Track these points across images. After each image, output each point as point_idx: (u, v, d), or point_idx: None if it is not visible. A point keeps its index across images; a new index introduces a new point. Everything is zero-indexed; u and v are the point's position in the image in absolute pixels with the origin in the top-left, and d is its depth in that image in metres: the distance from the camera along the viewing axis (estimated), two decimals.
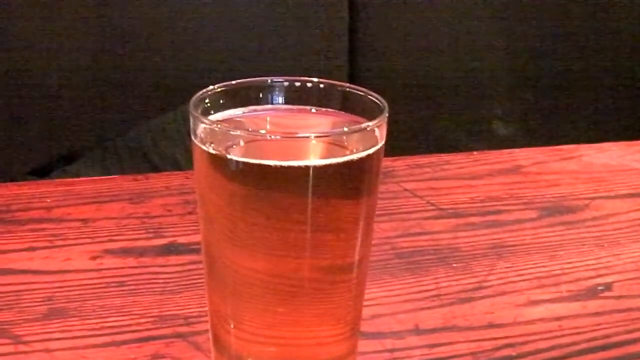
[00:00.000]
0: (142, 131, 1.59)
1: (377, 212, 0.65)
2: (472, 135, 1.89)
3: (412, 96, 1.84)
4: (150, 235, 0.89)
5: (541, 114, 1.93)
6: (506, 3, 1.85)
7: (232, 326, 0.64)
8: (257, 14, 1.74)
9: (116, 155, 1.57)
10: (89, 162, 1.57)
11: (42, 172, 1.58)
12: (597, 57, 1.91)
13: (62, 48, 1.63)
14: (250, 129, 0.64)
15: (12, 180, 1.39)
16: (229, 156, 0.59)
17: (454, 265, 0.86)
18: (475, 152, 1.10)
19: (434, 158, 1.08)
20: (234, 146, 0.60)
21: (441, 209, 0.97)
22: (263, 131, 0.65)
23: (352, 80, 1.77)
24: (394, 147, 0.88)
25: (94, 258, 0.85)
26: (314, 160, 0.60)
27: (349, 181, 0.61)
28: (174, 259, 0.85)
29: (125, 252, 0.87)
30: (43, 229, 0.90)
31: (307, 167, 0.59)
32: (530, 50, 1.89)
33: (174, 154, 1.53)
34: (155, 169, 1.51)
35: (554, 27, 1.89)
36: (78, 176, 1.45)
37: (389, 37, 1.83)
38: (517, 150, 1.12)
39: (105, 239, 0.89)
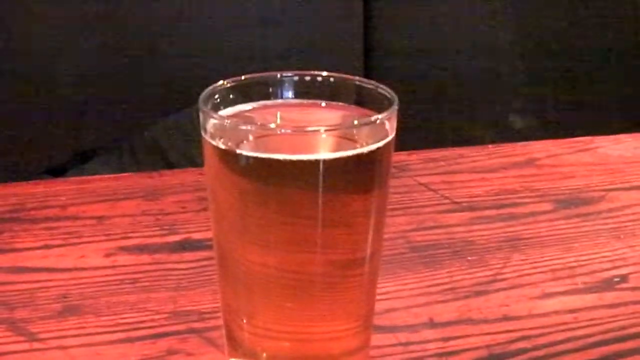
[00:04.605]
0: (158, 129, 1.59)
1: (392, 206, 0.65)
2: (490, 129, 1.88)
3: (428, 91, 1.84)
4: (165, 232, 0.90)
5: (558, 107, 1.92)
6: None
7: (244, 321, 0.64)
8: (271, 13, 1.74)
9: (132, 154, 1.58)
10: (105, 161, 1.57)
11: (58, 171, 1.58)
12: (613, 50, 1.91)
13: (76, 47, 1.63)
14: (259, 124, 0.64)
15: (28, 179, 1.39)
16: (238, 151, 0.59)
17: (469, 258, 0.86)
18: (489, 145, 1.09)
19: (448, 152, 1.07)
20: (244, 141, 0.60)
21: (456, 202, 0.96)
22: (273, 125, 0.64)
23: (367, 77, 1.76)
24: (409, 142, 0.88)
25: (108, 255, 0.86)
26: (324, 153, 0.60)
27: (359, 174, 0.61)
28: (188, 256, 0.85)
29: (139, 249, 0.87)
30: (58, 227, 0.90)
31: (317, 161, 0.58)
32: (546, 44, 1.89)
33: (190, 151, 1.54)
34: (172, 166, 1.51)
35: (570, 21, 1.88)
36: (94, 175, 1.45)
37: (405, 32, 1.83)
38: (531, 142, 1.11)
39: (120, 236, 0.89)
